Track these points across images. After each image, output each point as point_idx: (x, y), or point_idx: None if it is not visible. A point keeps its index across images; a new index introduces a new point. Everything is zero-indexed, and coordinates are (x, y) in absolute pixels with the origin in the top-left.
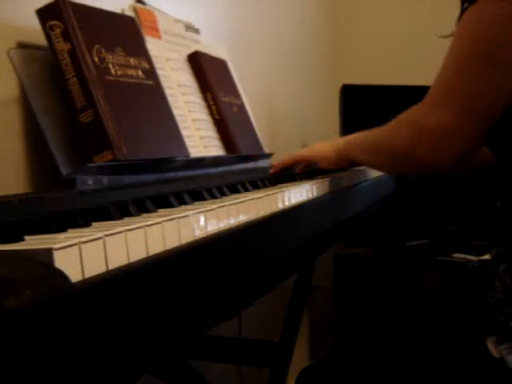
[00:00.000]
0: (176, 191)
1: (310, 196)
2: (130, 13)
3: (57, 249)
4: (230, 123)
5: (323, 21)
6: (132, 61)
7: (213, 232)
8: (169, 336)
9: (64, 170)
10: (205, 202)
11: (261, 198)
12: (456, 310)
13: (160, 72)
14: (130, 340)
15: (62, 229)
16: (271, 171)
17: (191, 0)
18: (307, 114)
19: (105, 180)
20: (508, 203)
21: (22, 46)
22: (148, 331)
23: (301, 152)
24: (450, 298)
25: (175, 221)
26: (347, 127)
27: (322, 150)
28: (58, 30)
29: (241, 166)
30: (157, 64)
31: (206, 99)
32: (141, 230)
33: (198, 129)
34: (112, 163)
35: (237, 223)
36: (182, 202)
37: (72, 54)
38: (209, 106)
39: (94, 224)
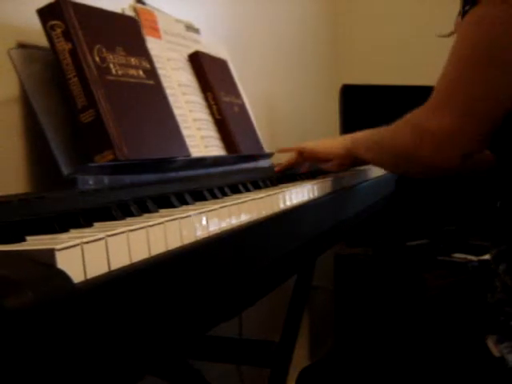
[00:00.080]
0: (177, 191)
1: (311, 196)
2: (130, 13)
3: (59, 249)
4: (230, 123)
5: (323, 21)
6: (133, 61)
7: (215, 232)
8: (171, 336)
9: (65, 170)
10: (206, 202)
11: (262, 198)
12: (456, 310)
13: (161, 72)
14: (132, 340)
15: (63, 229)
16: (277, 169)
17: (191, 0)
18: (307, 114)
19: (106, 180)
20: (508, 203)
21: (22, 46)
22: (150, 331)
23: (310, 146)
24: (450, 297)
25: (177, 221)
26: (347, 127)
27: (331, 147)
28: (58, 30)
29: (241, 165)
30: (157, 64)
31: (206, 99)
32: (143, 231)
33: (198, 129)
34: (113, 163)
35: (238, 223)
36: (184, 202)
37: (73, 53)
38: (209, 106)
39: (96, 224)
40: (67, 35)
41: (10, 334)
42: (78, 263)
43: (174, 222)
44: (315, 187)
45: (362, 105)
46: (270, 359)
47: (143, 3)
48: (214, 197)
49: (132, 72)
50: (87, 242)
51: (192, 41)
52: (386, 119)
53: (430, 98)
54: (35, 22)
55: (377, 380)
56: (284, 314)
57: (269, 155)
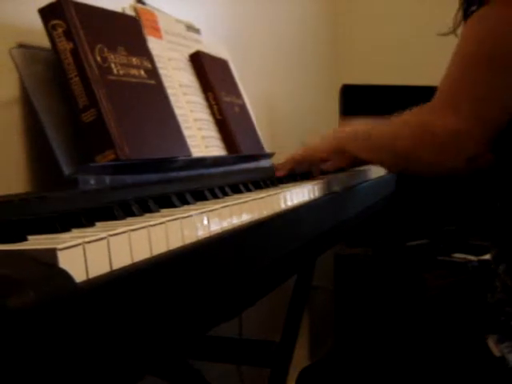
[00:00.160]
0: (178, 191)
1: (312, 196)
2: (130, 13)
3: (61, 249)
4: (231, 123)
5: (323, 21)
6: (134, 60)
7: (216, 232)
8: (172, 336)
9: (66, 170)
10: (207, 202)
11: (263, 198)
12: (456, 310)
13: (162, 72)
14: (132, 340)
15: (65, 229)
16: (279, 174)
17: (191, 0)
18: (307, 114)
19: (107, 180)
20: (508, 203)
21: (23, 45)
22: (151, 331)
23: (304, 153)
24: (450, 297)
25: (178, 221)
26: None
27: (321, 149)
28: (60, 30)
29: (242, 165)
30: (159, 64)
31: (207, 99)
32: (144, 230)
33: (199, 129)
34: (114, 163)
35: (239, 223)
36: (185, 202)
37: (74, 53)
38: (210, 106)
39: (98, 224)
40: (69, 35)
41: (12, 334)
42: (80, 263)
43: (175, 221)
44: (316, 187)
45: (362, 105)
46: (270, 359)
47: (143, 3)
48: (215, 197)
49: (133, 72)
50: (89, 242)
51: (193, 41)
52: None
53: (433, 97)
54: (36, 22)
55: (377, 380)
56: (284, 314)
57: (269, 155)
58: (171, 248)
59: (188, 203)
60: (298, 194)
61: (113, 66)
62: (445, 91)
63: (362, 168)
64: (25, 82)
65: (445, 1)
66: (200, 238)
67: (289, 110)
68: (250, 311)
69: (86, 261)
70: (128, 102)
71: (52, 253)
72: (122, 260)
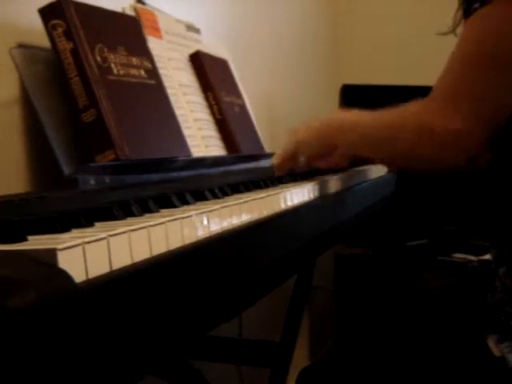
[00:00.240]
0: (178, 191)
1: (312, 196)
2: (130, 13)
3: (61, 249)
4: (231, 123)
5: (323, 21)
6: (134, 60)
7: (216, 232)
8: (172, 336)
9: (66, 170)
10: (207, 202)
11: (263, 198)
12: (456, 310)
13: (162, 72)
14: (132, 340)
15: (65, 229)
16: (278, 173)
17: (191, 0)
18: (307, 114)
19: (107, 180)
20: (508, 203)
21: (23, 45)
22: (151, 331)
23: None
24: (450, 297)
25: (178, 221)
26: None
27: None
28: (60, 30)
29: (242, 165)
30: (159, 64)
31: (207, 99)
32: (144, 231)
33: (199, 129)
34: (114, 163)
35: (239, 223)
36: (185, 202)
37: (74, 53)
38: (210, 106)
39: (98, 224)
40: (69, 35)
41: (12, 334)
42: (80, 263)
43: (175, 221)
44: (316, 187)
45: (362, 105)
46: (270, 359)
47: (143, 3)
48: (215, 197)
49: (133, 72)
50: (89, 242)
51: (193, 41)
52: None
53: (430, 94)
54: (36, 22)
55: (377, 380)
56: (284, 314)
57: (269, 155)
58: (171, 248)
59: (188, 203)
60: (297, 194)
61: (113, 65)
62: (445, 89)
63: (361, 168)
64: (25, 82)
65: (445, 1)
66: (200, 238)
67: (289, 109)
68: (250, 311)
69: (85, 261)
70: (128, 102)
71: (52, 253)
72: (121, 260)
